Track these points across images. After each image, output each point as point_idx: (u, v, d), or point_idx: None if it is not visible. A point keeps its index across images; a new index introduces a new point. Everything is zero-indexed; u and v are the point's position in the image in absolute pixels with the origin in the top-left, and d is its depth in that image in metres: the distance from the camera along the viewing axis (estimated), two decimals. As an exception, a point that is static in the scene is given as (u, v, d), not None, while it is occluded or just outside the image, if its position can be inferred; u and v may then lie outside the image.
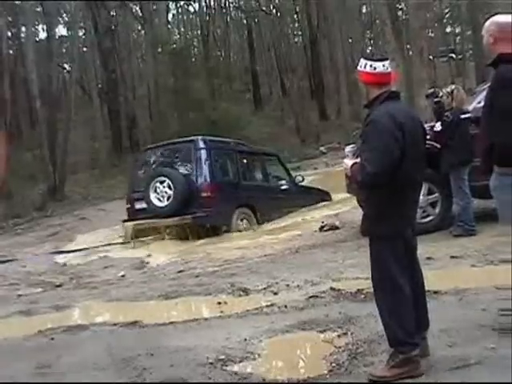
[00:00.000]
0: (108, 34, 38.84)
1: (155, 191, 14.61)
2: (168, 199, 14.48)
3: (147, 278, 10.26)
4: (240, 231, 14.65)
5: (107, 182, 31.95)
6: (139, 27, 51.10)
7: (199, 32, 57.40)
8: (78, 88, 45.46)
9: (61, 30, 52.11)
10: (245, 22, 56.66)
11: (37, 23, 47.93)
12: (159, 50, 39.18)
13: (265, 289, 8.10)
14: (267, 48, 54.93)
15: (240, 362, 5.45)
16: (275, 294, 7.80)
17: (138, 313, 7.78)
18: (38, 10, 45.16)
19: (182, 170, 15.13)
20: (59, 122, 33.28)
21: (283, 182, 17.51)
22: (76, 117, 36.85)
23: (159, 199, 14.59)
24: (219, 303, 7.64)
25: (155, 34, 39.98)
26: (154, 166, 15.97)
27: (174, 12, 60.50)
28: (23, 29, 42.39)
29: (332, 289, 7.50)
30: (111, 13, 42.20)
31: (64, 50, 50.93)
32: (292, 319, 6.49)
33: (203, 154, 14.93)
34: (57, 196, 29.69)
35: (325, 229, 12.90)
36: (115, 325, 7.25)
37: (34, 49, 37.26)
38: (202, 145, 15.13)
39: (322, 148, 34.70)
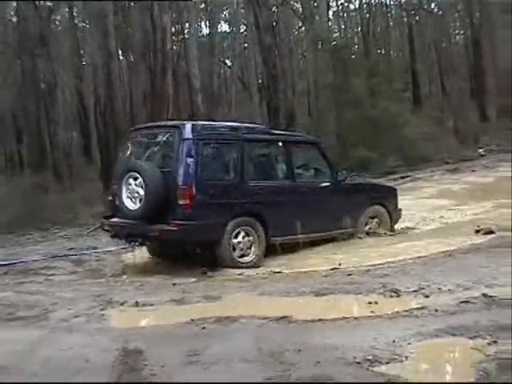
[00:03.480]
0: (269, 30, 39.10)
1: (128, 189, 11.42)
2: (140, 201, 11.22)
3: (298, 275, 10.30)
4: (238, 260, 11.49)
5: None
6: (300, 24, 51.44)
7: (359, 29, 57.26)
8: (238, 83, 46.25)
9: (223, 26, 53.20)
10: (405, 20, 55.91)
11: (200, 19, 49.02)
12: (319, 47, 39.29)
13: (416, 291, 8.04)
14: (428, 46, 54.09)
15: (387, 363, 5.45)
16: (426, 296, 7.73)
17: (287, 308, 7.81)
18: (202, 6, 46.35)
19: (165, 164, 11.65)
20: (219, 116, 34.01)
21: (321, 178, 13.44)
22: (236, 112, 37.50)
23: (131, 200, 11.37)
24: (370, 303, 7.64)
25: (316, 31, 40.07)
26: (132, 156, 12.33)
27: (335, 9, 60.49)
28: (187, 25, 43.53)
29: (484, 295, 7.38)
30: (272, 9, 42.63)
31: (225, 46, 51.92)
32: (442, 323, 6.43)
33: (187, 146, 11.20)
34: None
35: (480, 233, 12.64)
36: (265, 318, 7.33)
37: (196, 44, 38.26)
38: (188, 134, 11.29)
39: (480, 150, 33.83)
